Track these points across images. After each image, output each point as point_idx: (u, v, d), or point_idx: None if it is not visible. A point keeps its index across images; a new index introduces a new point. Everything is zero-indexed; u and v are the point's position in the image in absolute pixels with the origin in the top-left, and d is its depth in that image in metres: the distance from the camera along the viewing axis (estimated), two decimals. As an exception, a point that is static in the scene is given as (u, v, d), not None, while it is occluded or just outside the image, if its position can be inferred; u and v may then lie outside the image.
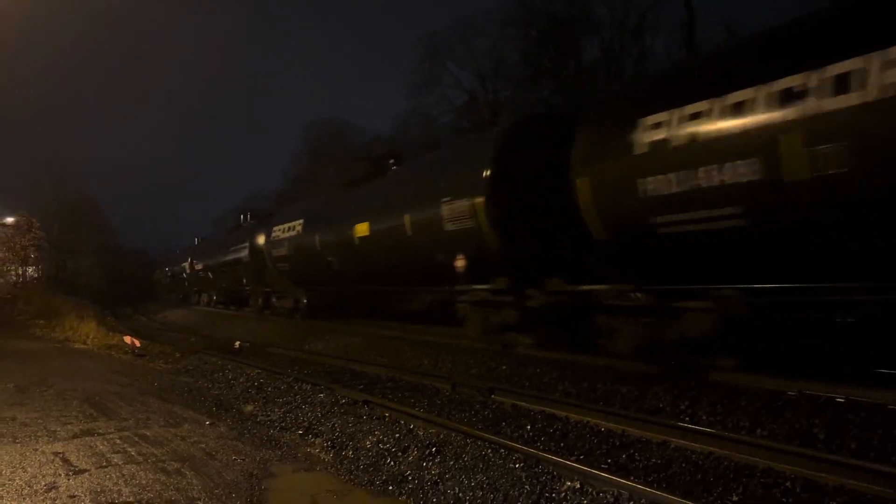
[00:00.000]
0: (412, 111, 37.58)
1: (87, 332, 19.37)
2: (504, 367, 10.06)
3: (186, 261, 37.76)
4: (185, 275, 38.93)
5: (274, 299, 22.96)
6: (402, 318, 16.52)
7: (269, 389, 9.66)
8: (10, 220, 33.77)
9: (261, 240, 22.15)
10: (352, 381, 10.28)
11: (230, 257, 27.11)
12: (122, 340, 17.17)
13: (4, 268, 33.11)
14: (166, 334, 23.17)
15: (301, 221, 18.47)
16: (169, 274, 45.94)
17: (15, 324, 22.69)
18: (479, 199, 10.42)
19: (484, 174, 10.45)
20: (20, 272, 33.97)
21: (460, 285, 11.62)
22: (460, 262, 11.16)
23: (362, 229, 14.31)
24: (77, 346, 17.35)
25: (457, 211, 10.93)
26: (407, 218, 12.47)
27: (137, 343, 16.14)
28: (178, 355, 14.77)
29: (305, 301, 20.18)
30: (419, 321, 15.57)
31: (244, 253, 24.74)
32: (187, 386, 10.39)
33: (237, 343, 16.50)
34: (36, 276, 35.76)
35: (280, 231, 19.90)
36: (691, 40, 24.43)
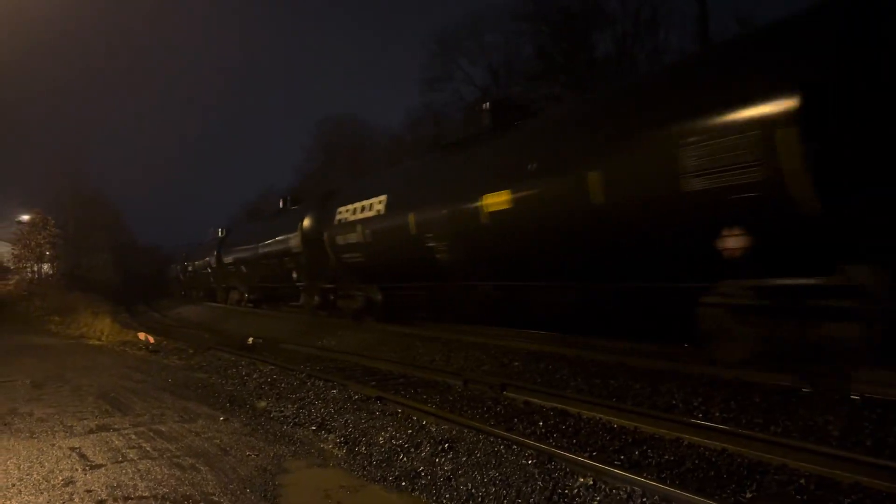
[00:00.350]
0: (424, 107, 37.62)
1: (101, 329, 19.57)
2: (516, 364, 10.05)
3: (212, 254, 33.19)
4: (209, 269, 34.45)
5: (332, 297, 18.86)
6: (552, 326, 11.84)
7: (283, 385, 9.70)
8: (25, 217, 34.15)
9: (318, 225, 18.30)
10: (364, 378, 10.31)
11: (272, 248, 22.94)
12: (137, 337, 17.32)
13: (20, 265, 33.49)
14: (180, 331, 23.32)
15: (384, 198, 14.36)
16: (190, 269, 41.21)
17: (31, 320, 22.97)
18: (787, 131, 6.16)
19: (793, 89, 6.18)
20: (35, 269, 34.32)
21: (728, 278, 7.29)
22: (732, 241, 6.96)
23: (496, 201, 10.42)
24: (92, 342, 17.51)
25: (722, 154, 6.75)
26: (593, 177, 8.42)
27: (151, 339, 16.27)
28: (191, 351, 14.86)
29: (380, 299, 16.29)
30: (576, 330, 11.11)
31: (293, 242, 20.62)
32: (201, 382, 10.45)
33: (250, 339, 16.60)
34: (51, 272, 36.09)
35: (348, 212, 15.81)
36: (705, 34, 24.26)
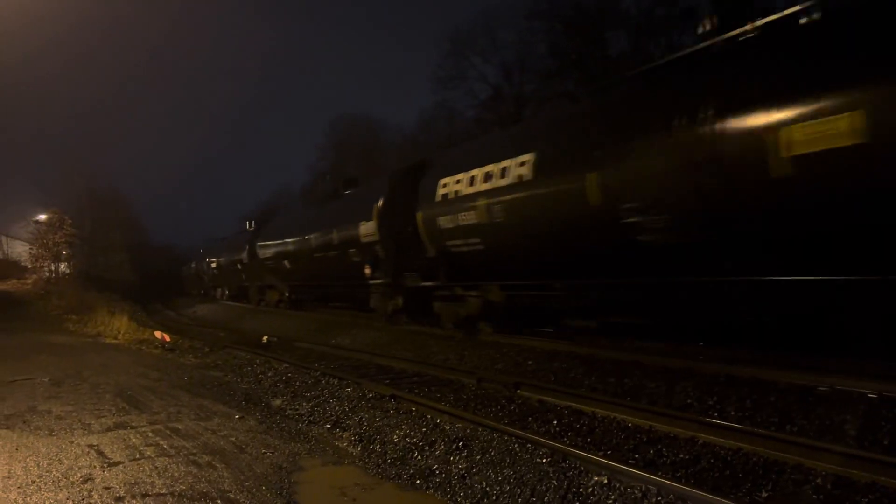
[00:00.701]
0: (438, 106, 37.73)
1: (118, 327, 19.71)
2: (530, 363, 10.05)
3: (244, 249, 29.40)
4: (240, 266, 30.58)
5: (428, 299, 14.27)
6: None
7: (297, 384, 9.75)
8: (42, 216, 34.53)
9: (402, 206, 14.32)
10: (378, 376, 10.34)
11: (331, 238, 19.04)
12: (153, 335, 17.43)
13: (38, 264, 33.88)
14: (195, 329, 23.48)
15: (530, 158, 10.32)
16: (214, 266, 37.34)
17: (49, 319, 23.17)
18: None
19: None
20: (52, 268, 34.67)
21: None
22: None
23: (814, 135, 6.22)
24: (109, 340, 17.67)
25: None
26: None
27: (167, 338, 16.37)
28: (207, 350, 14.97)
29: (502, 302, 12.14)
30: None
31: (364, 229, 16.60)
32: (217, 380, 10.53)
33: (265, 338, 16.68)
34: (68, 272, 36.44)
35: (459, 184, 12.09)
36: (720, 31, 24.07)
